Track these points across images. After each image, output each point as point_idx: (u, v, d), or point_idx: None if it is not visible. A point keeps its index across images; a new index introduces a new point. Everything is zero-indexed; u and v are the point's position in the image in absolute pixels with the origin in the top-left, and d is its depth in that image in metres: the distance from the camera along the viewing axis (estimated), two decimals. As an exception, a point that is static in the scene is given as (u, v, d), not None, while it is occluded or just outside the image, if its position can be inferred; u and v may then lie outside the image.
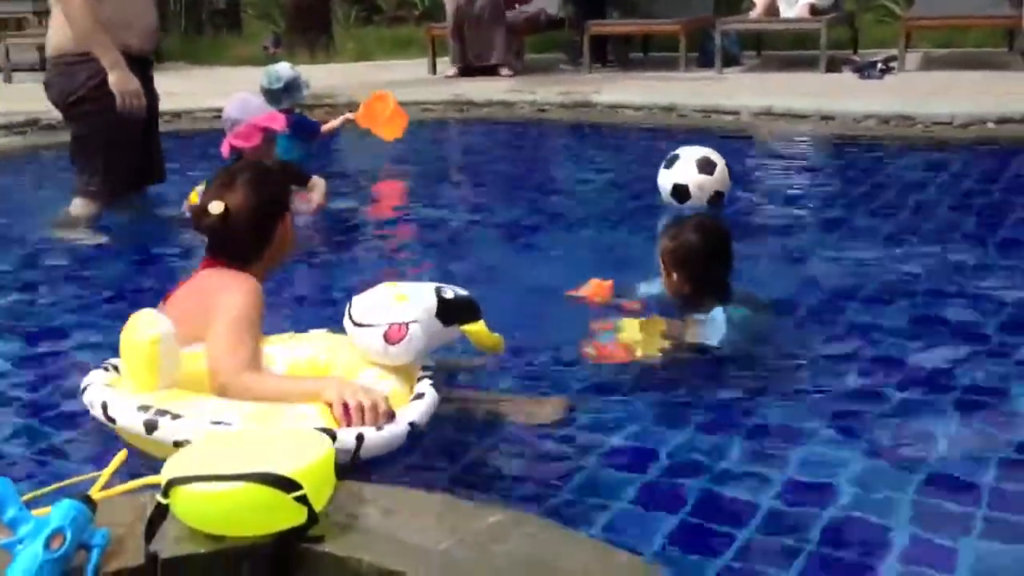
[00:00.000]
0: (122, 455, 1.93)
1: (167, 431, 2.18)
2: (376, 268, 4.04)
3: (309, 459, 1.78)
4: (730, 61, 9.37)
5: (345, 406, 2.20)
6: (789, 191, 5.24)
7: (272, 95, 5.40)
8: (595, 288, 3.40)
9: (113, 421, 2.29)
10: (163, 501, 1.74)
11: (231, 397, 2.29)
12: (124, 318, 2.42)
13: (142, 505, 1.83)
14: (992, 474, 2.26)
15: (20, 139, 7.01)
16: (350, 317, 2.42)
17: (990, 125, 6.33)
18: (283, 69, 5.61)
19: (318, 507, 1.77)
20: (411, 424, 2.25)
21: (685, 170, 4.40)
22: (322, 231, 4.62)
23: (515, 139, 7.14)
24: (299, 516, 1.74)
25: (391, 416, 2.23)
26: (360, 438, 2.15)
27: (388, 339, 2.36)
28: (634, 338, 2.99)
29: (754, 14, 9.68)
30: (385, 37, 12.77)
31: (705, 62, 9.45)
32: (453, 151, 7.29)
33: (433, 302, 2.41)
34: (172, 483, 1.73)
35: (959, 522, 2.08)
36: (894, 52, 8.80)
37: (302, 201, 4.66)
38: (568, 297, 3.42)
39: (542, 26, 10.53)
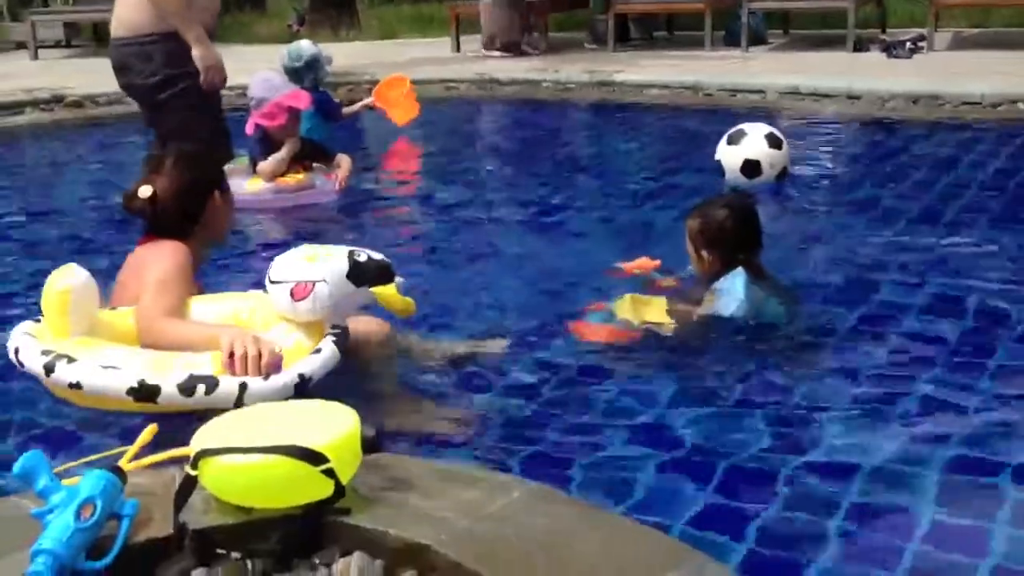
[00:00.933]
0: (152, 428, 1.94)
1: (62, 373, 2.32)
2: (397, 244, 4.05)
3: (336, 433, 1.79)
4: (756, 40, 9.30)
5: (233, 355, 2.30)
6: (815, 171, 5.20)
7: (294, 73, 5.41)
8: (640, 263, 3.42)
9: (22, 365, 2.41)
10: (192, 472, 1.75)
11: (149, 344, 2.42)
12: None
13: (171, 476, 1.84)
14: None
15: (46, 115, 7.05)
16: (268, 275, 2.50)
17: (1020, 105, 6.27)
18: (305, 47, 5.62)
19: (344, 480, 1.78)
20: (300, 376, 2.33)
21: (756, 145, 4.41)
22: (346, 208, 4.63)
23: (539, 118, 7.12)
24: (326, 489, 1.74)
25: (278, 367, 2.32)
26: (243, 386, 2.26)
27: (294, 296, 2.43)
28: (626, 316, 2.97)
29: (781, -8, 9.61)
30: (408, 15, 12.76)
31: (731, 41, 9.39)
32: (477, 129, 7.28)
33: (344, 264, 2.46)
34: (201, 455, 1.74)
35: (989, 503, 2.07)
36: (923, 31, 8.71)
37: (327, 179, 4.68)
38: (613, 269, 3.45)
39: (566, 4, 10.49)
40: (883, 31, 9.57)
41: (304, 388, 2.33)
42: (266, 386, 2.29)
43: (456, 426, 2.48)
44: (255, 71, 4.89)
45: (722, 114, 6.62)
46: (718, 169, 4.49)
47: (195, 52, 4.33)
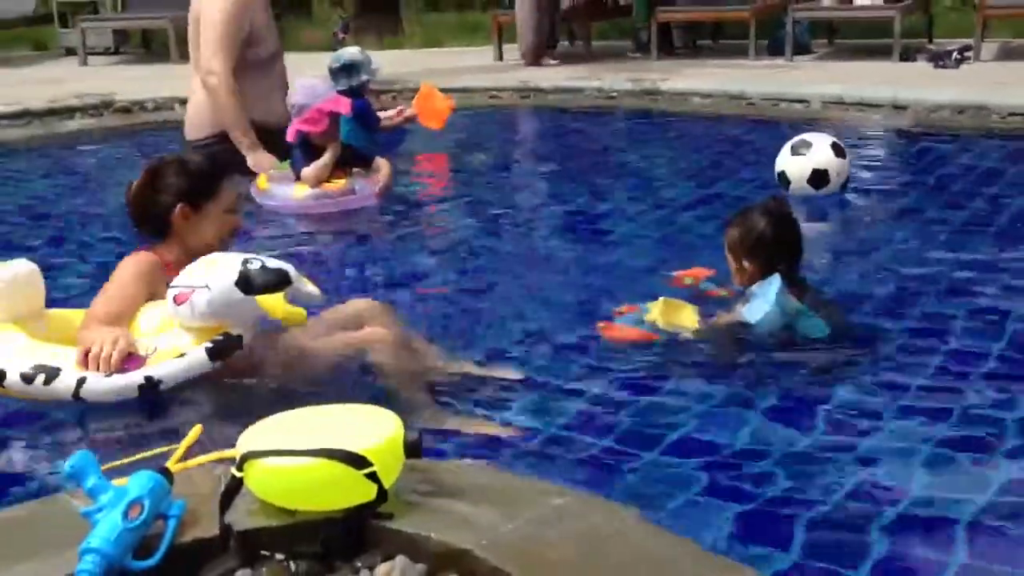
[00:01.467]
0: (197, 429, 1.97)
1: None
2: (440, 251, 4.07)
3: (380, 437, 1.80)
4: (801, 49, 9.25)
5: (88, 352, 2.47)
6: (861, 181, 5.15)
7: (332, 74, 5.46)
8: (694, 272, 3.41)
9: None
10: (237, 474, 1.77)
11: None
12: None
13: (216, 478, 1.87)
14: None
15: (95, 120, 7.16)
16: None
17: (1069, 116, 6.18)
18: (347, 51, 5.69)
19: (387, 484, 1.79)
20: (147, 378, 2.45)
21: (823, 154, 4.40)
22: (387, 212, 4.65)
23: (582, 126, 7.12)
24: (369, 493, 1.76)
25: (127, 367, 2.48)
26: (81, 381, 2.45)
27: (175, 301, 2.52)
28: (655, 319, 2.96)
29: (827, 1, 9.53)
30: (453, 23, 12.82)
31: (775, 50, 9.34)
32: (519, 137, 7.30)
33: (232, 272, 2.49)
34: (247, 457, 1.76)
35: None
36: (970, 41, 8.60)
37: (368, 183, 4.71)
38: (668, 277, 3.46)
39: (609, 12, 10.49)
40: (930, 41, 9.48)
41: (151, 391, 2.47)
42: (106, 383, 2.45)
43: (494, 433, 2.49)
44: (300, 78, 4.95)
45: (766, 123, 6.60)
46: (780, 180, 4.46)
47: (249, 160, 4.71)
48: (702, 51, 10.10)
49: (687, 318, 2.96)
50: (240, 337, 2.58)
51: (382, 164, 4.83)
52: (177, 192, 2.84)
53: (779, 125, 6.58)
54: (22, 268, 2.71)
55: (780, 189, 4.49)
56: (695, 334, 2.92)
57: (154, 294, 2.70)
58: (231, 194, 2.94)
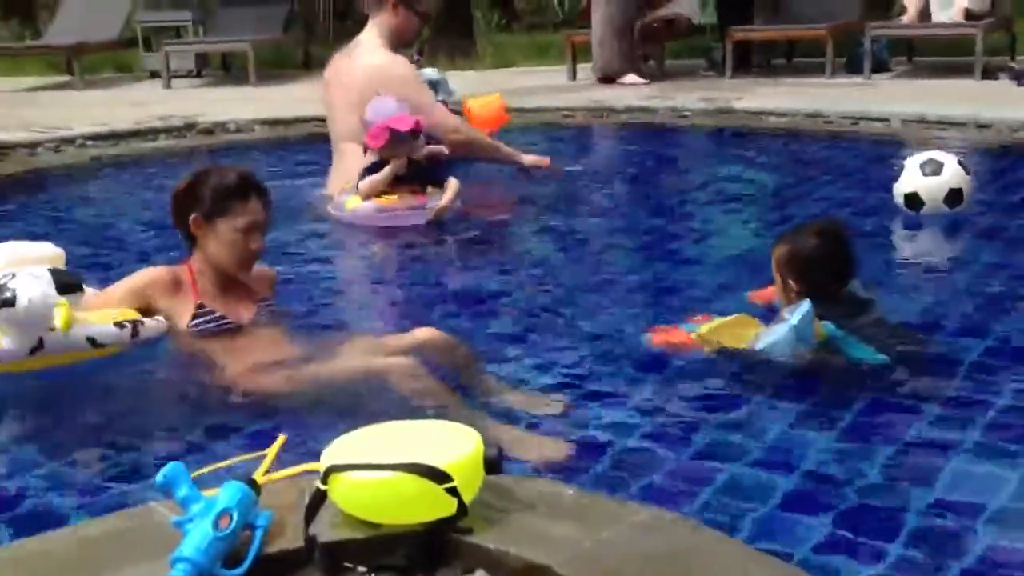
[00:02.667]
0: (281, 439, 2.02)
1: None
2: (504, 270, 4.09)
3: (460, 453, 1.83)
4: (879, 67, 9.13)
5: None
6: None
7: None
8: (769, 293, 3.38)
9: None
10: (322, 487, 1.80)
11: None
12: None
13: (300, 490, 1.91)
14: None
15: (179, 141, 7.34)
16: None
17: None
18: (426, 71, 5.81)
19: (467, 499, 1.81)
20: None
21: (956, 174, 4.41)
22: (458, 230, 4.68)
23: (654, 145, 7.11)
24: (450, 507, 1.78)
25: None
26: None
27: None
28: (703, 334, 2.91)
29: (906, 19, 9.41)
30: (525, 44, 12.90)
31: (853, 68, 9.24)
32: (592, 156, 7.31)
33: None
34: (331, 470, 1.80)
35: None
36: (1055, 58, 8.43)
37: (421, 200, 4.74)
38: (742, 297, 3.44)
39: (682, 32, 10.47)
40: (1012, 59, 9.29)
41: None
42: None
43: (569, 450, 2.50)
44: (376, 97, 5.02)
45: (844, 142, 6.52)
46: (908, 201, 4.40)
47: (526, 161, 5.32)
48: (777, 70, 10.02)
49: (735, 338, 2.89)
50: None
51: (451, 183, 4.86)
52: (197, 201, 2.94)
53: (858, 144, 6.52)
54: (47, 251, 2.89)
55: (905, 211, 4.43)
56: (735, 354, 2.85)
57: (150, 307, 2.87)
58: (247, 217, 2.93)
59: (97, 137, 7.22)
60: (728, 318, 2.96)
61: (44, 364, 2.70)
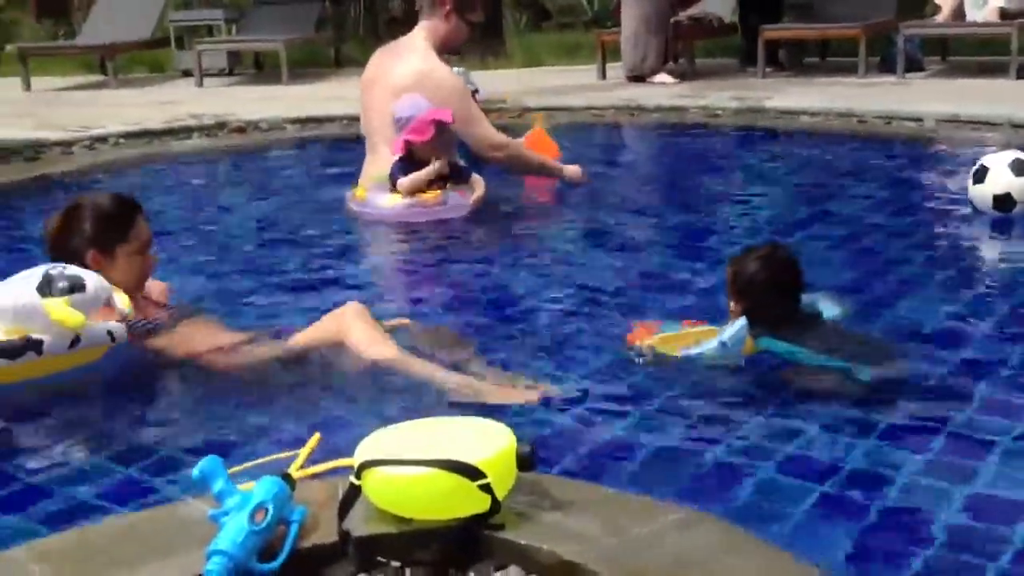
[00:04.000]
0: (316, 437, 2.03)
1: None
2: (532, 267, 4.09)
3: (494, 449, 1.84)
4: (913, 66, 9.05)
5: None
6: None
7: None
8: None
9: None
10: (355, 482, 1.82)
11: None
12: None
13: (334, 485, 1.92)
14: None
15: (211, 140, 7.39)
16: None
17: None
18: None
19: (500, 496, 1.82)
20: None
21: (1000, 177, 4.32)
22: (484, 227, 4.69)
23: (685, 144, 7.09)
24: (483, 504, 1.80)
25: None
26: None
27: None
28: (660, 341, 2.94)
29: (940, 18, 9.32)
30: (555, 43, 12.89)
31: (886, 67, 9.16)
32: (622, 155, 7.30)
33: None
34: (364, 466, 1.81)
35: None
36: (1093, 57, 8.32)
37: (460, 195, 4.76)
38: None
39: (712, 31, 10.44)
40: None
41: None
42: None
43: (603, 448, 2.50)
44: (405, 94, 5.03)
45: (877, 142, 6.47)
46: (998, 202, 4.35)
47: (566, 173, 5.29)
48: (809, 68, 9.97)
49: (676, 347, 2.92)
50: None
51: (477, 180, 4.88)
52: (87, 238, 2.93)
53: (891, 143, 6.47)
54: None
55: (992, 213, 4.38)
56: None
57: None
58: (141, 238, 2.99)
59: (130, 136, 7.28)
60: (696, 330, 2.99)
61: (63, 365, 2.73)
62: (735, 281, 2.98)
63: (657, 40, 9.52)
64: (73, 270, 2.70)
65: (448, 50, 5.22)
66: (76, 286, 2.65)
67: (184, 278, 4.01)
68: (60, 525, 2.09)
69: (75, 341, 2.67)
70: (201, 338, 2.95)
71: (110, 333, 2.74)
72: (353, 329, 2.89)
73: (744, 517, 2.12)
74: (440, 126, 4.69)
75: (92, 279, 2.71)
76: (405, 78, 5.01)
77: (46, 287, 2.64)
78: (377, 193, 4.85)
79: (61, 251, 2.93)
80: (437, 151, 4.74)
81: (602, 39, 10.14)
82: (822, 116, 7.18)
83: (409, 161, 4.77)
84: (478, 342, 3.13)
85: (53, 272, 2.67)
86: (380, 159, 5.05)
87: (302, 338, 2.96)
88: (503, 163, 5.22)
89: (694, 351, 2.88)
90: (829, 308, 3.05)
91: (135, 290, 3.00)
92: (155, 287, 3.22)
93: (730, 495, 2.24)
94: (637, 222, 4.91)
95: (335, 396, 2.77)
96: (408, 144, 4.74)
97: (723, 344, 2.83)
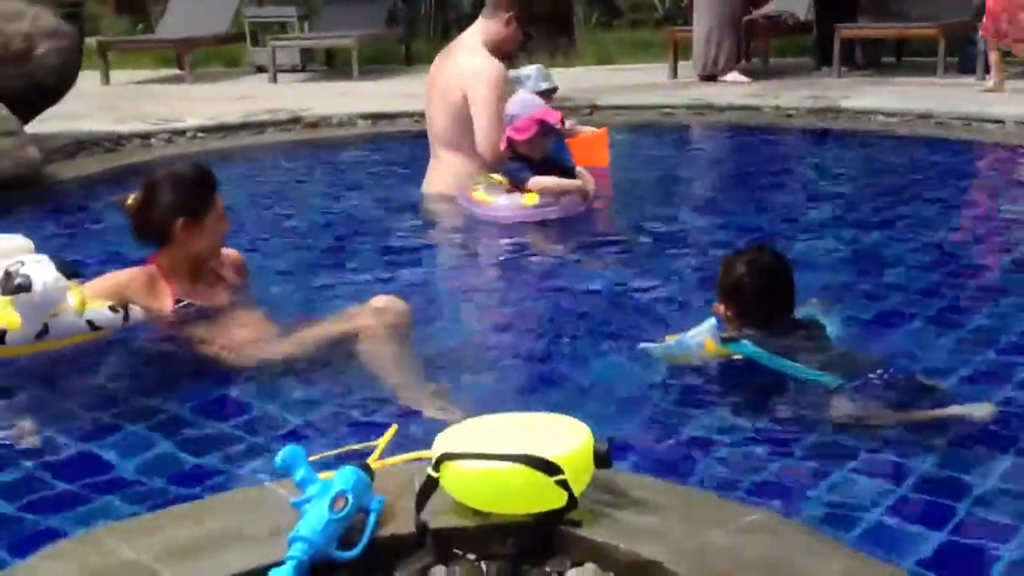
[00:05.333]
0: (393, 429, 2.05)
1: None
2: (607, 271, 4.07)
3: (571, 446, 1.84)
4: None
5: None
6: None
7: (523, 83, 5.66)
8: None
9: None
10: (433, 474, 1.83)
11: None
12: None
13: (411, 476, 1.94)
14: None
15: (285, 135, 7.49)
16: None
17: None
18: (525, 68, 5.87)
19: (577, 492, 1.82)
20: None
21: None
22: (562, 229, 4.68)
23: (758, 143, 7.02)
24: (560, 499, 1.80)
25: None
26: None
27: None
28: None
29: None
30: (625, 40, 12.84)
31: (965, 68, 8.97)
32: (693, 155, 7.25)
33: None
34: (443, 458, 1.82)
35: None
36: None
37: (574, 193, 4.72)
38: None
39: (787, 29, 10.30)
40: None
41: None
42: None
43: (680, 449, 2.49)
44: (517, 93, 5.01)
45: (956, 144, 6.34)
46: None
47: None
48: (885, 68, 9.80)
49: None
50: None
51: (583, 173, 4.80)
52: (175, 206, 3.03)
53: (970, 146, 6.33)
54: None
55: None
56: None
57: (126, 299, 2.96)
58: (221, 200, 3.12)
59: (207, 130, 7.41)
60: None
61: (44, 348, 2.85)
62: (722, 283, 2.91)
63: (730, 38, 9.43)
64: (31, 271, 2.76)
65: (500, 53, 5.17)
66: (23, 287, 2.72)
67: (258, 271, 4.07)
68: (140, 509, 2.14)
69: (43, 332, 2.77)
70: (239, 330, 3.04)
71: (90, 323, 2.83)
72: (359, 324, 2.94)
73: (821, 519, 2.10)
74: (544, 126, 4.64)
75: (44, 283, 2.75)
76: (450, 76, 5.03)
77: (2, 284, 2.75)
78: (500, 193, 4.76)
79: (146, 226, 3.06)
80: (538, 149, 4.70)
81: (674, 37, 10.07)
82: (899, 117, 7.05)
83: (515, 157, 4.72)
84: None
85: (11, 270, 2.76)
86: (442, 161, 5.06)
87: (319, 331, 3.01)
88: (490, 164, 5.00)
89: (656, 350, 2.85)
90: (827, 319, 2.93)
91: (213, 256, 3.13)
92: (229, 255, 3.31)
93: (807, 496, 2.22)
94: (707, 223, 4.87)
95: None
96: (511, 141, 4.70)
97: (679, 342, 2.80)
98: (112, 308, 2.90)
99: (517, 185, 4.72)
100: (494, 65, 4.97)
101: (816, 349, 2.76)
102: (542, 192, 4.67)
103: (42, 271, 2.76)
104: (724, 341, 2.76)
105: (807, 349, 2.74)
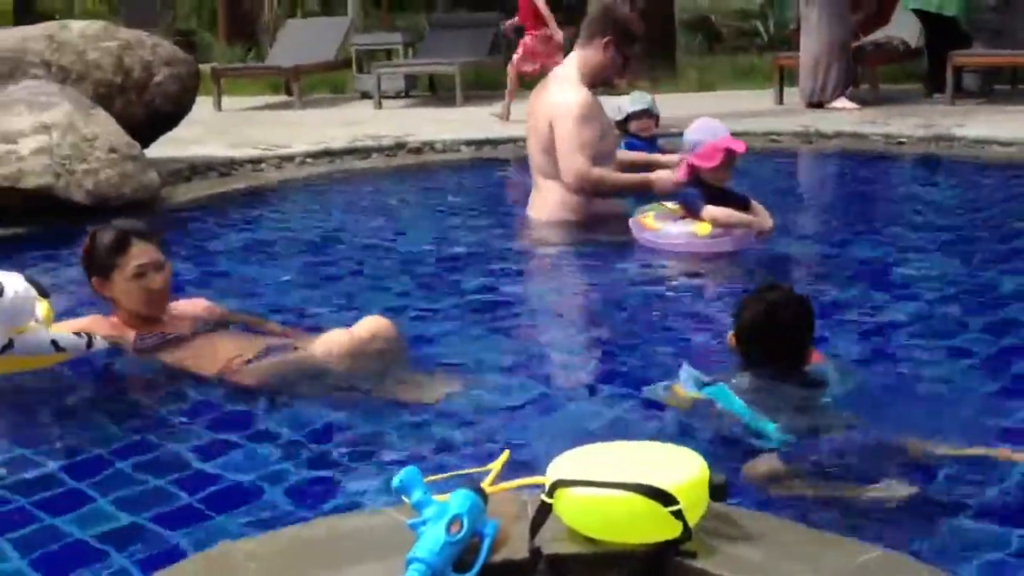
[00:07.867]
0: (506, 454, 2.06)
1: None
2: (707, 299, 4.03)
3: (687, 476, 1.83)
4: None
5: None
6: None
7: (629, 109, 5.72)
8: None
9: None
10: (547, 500, 1.83)
11: None
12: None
13: (523, 502, 1.94)
14: None
15: (389, 160, 7.62)
16: None
17: None
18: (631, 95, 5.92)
19: (691, 523, 1.81)
20: None
21: None
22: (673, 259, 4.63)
23: (868, 172, 6.88)
24: (674, 530, 1.78)
25: None
26: None
27: None
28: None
29: None
30: (727, 67, 12.75)
31: (1084, 95, 8.69)
32: (801, 183, 7.15)
33: None
34: (557, 484, 1.83)
35: None
36: None
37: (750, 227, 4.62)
38: None
39: (897, 56, 10.11)
40: None
41: None
42: None
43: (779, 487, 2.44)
44: (700, 117, 4.91)
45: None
46: None
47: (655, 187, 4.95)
48: (999, 96, 9.54)
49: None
50: None
51: (759, 209, 4.67)
52: (85, 266, 3.21)
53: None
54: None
55: None
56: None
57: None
58: (135, 264, 3.12)
59: (314, 155, 7.58)
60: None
61: (6, 368, 2.93)
62: (735, 317, 2.80)
63: (838, 65, 9.28)
64: (2, 278, 2.84)
65: (598, 81, 5.15)
66: None
67: (363, 294, 4.15)
68: (257, 527, 2.19)
69: (7, 346, 2.86)
70: (214, 352, 3.11)
71: (54, 343, 2.92)
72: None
73: (938, 558, 2.04)
74: (730, 154, 4.54)
75: (15, 290, 2.83)
76: (542, 109, 5.06)
77: None
78: (670, 221, 4.67)
79: (87, 274, 3.22)
80: (720, 177, 4.59)
81: (780, 63, 9.97)
82: (1016, 146, 6.84)
83: (696, 184, 4.61)
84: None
85: None
86: (542, 191, 5.09)
87: (306, 355, 3.09)
88: (589, 194, 5.02)
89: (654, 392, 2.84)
90: (836, 380, 2.78)
91: (145, 311, 3.19)
92: (195, 305, 3.41)
93: (927, 536, 2.16)
94: (815, 252, 4.79)
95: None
96: (693, 168, 4.59)
97: (651, 389, 2.83)
98: (76, 333, 3.02)
99: (691, 213, 4.61)
100: (580, 94, 4.98)
101: (795, 407, 2.60)
102: (715, 223, 4.55)
103: (13, 281, 2.88)
104: (703, 386, 2.67)
105: (784, 404, 2.59)
